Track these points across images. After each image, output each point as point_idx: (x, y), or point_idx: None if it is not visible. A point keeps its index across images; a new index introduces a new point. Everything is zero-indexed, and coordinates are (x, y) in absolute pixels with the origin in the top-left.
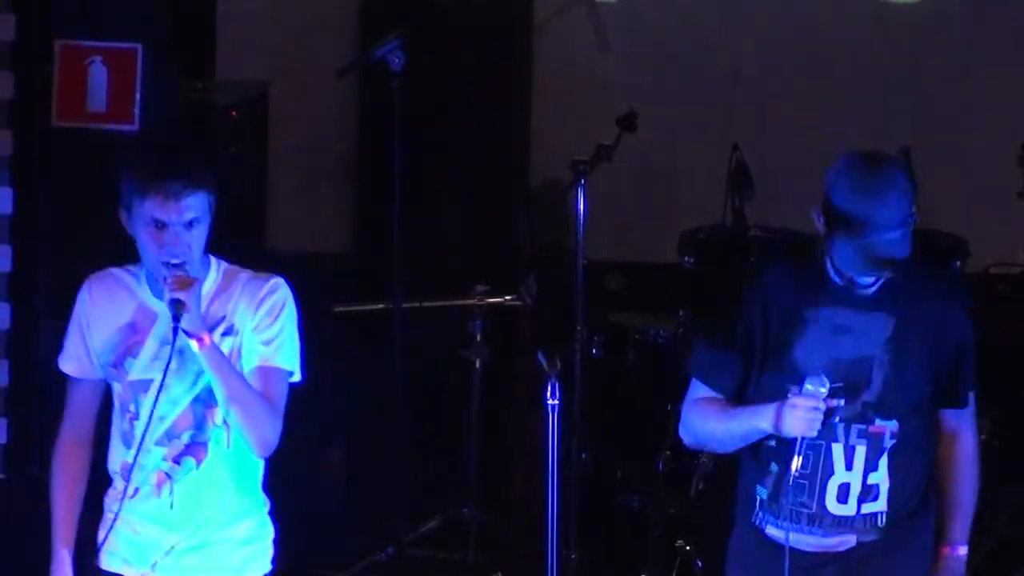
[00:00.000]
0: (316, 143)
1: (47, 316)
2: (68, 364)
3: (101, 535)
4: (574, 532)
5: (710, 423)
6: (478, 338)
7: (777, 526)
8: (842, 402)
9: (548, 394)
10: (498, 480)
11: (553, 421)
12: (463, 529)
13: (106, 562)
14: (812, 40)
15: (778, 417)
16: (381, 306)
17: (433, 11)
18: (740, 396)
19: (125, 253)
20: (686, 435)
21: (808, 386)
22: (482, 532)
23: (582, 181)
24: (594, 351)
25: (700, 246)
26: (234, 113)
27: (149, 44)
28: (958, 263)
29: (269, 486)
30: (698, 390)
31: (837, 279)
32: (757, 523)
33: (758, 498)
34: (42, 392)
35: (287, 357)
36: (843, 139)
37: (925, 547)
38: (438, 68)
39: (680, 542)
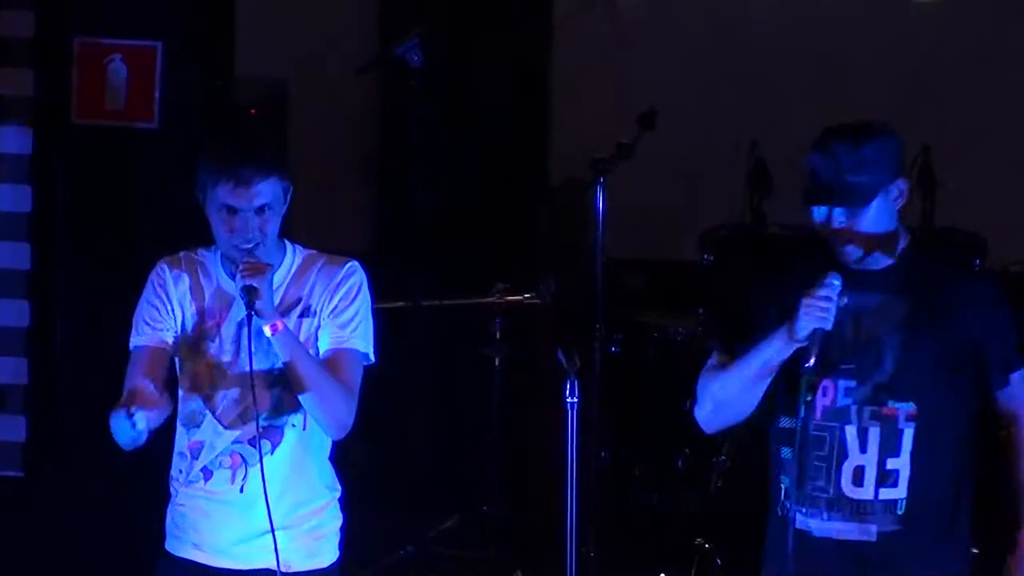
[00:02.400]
0: (336, 141)
1: (66, 314)
2: (146, 338)
3: (170, 519)
4: (593, 530)
5: (723, 375)
6: (497, 336)
7: (803, 514)
8: (845, 300)
9: (567, 392)
10: (517, 478)
11: (572, 419)
12: (483, 527)
13: (175, 546)
14: (831, 38)
15: (789, 323)
16: (401, 304)
17: (453, 9)
18: None
19: (144, 250)
20: (700, 408)
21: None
22: (502, 530)
23: (602, 179)
24: (613, 349)
25: (720, 244)
26: (254, 111)
27: (169, 42)
28: (977, 261)
29: None
30: (716, 358)
31: (847, 261)
32: (783, 514)
33: (782, 487)
34: (61, 391)
35: (362, 339)
36: None
37: (956, 541)
38: (458, 66)
39: (699, 540)
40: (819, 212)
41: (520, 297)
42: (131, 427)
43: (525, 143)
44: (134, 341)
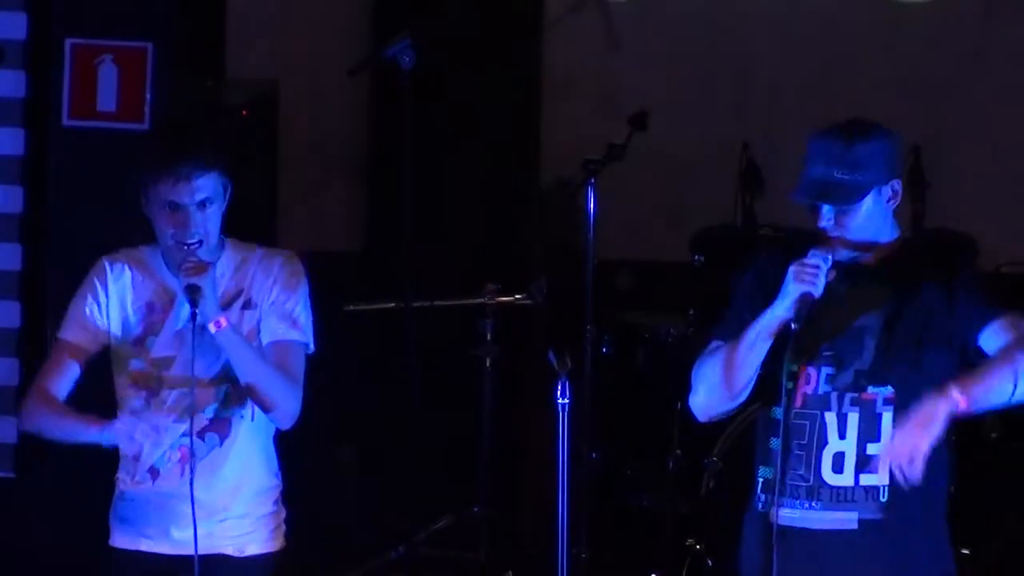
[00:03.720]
0: (327, 142)
1: (57, 316)
2: (74, 333)
3: (115, 514)
4: (584, 531)
5: (716, 355)
6: (488, 337)
7: (785, 506)
8: (833, 272)
9: (558, 393)
10: (508, 479)
11: (563, 420)
12: (474, 528)
13: (121, 540)
14: (823, 39)
15: (783, 291)
16: (392, 305)
17: (444, 10)
18: None
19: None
20: (694, 394)
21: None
22: (493, 531)
23: (593, 180)
24: (604, 350)
25: (711, 245)
26: (245, 112)
27: (160, 43)
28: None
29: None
30: (714, 345)
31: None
32: (761, 508)
33: (760, 480)
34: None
35: (303, 330)
36: None
37: (938, 537)
38: (449, 67)
39: (690, 541)
40: (811, 209)
41: (511, 298)
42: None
43: (516, 143)
44: (62, 333)
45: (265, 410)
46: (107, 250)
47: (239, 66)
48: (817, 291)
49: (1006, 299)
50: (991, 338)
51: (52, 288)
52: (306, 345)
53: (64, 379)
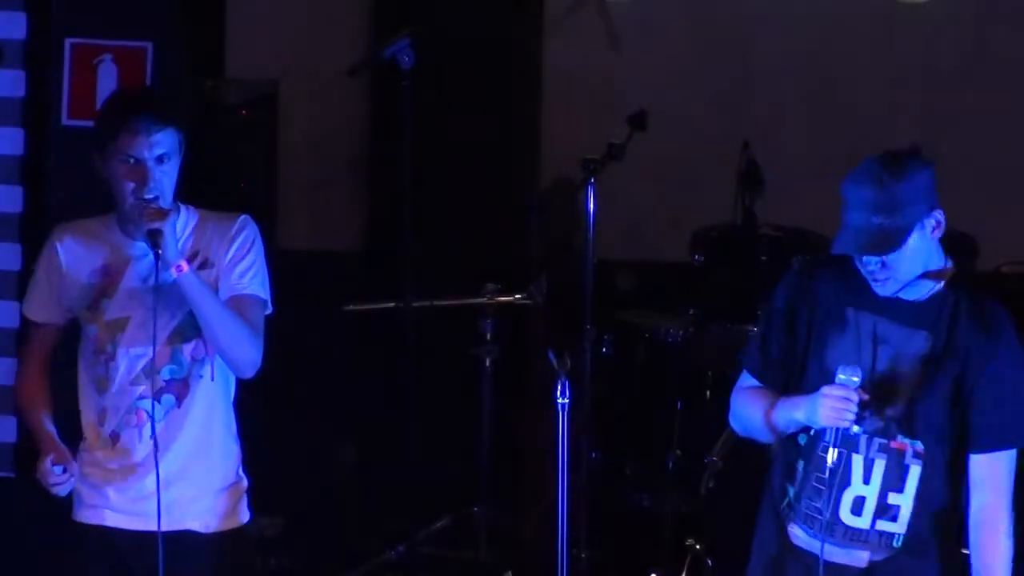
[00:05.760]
0: (326, 142)
1: None
2: (36, 311)
3: (79, 487)
4: (584, 531)
5: (752, 411)
6: (488, 337)
7: (799, 526)
8: (864, 394)
9: (558, 393)
10: (508, 479)
11: (563, 420)
12: (473, 528)
13: (84, 515)
14: (822, 39)
15: (811, 407)
16: (392, 305)
17: (444, 10)
18: (784, 388)
19: None
20: (735, 422)
21: (840, 376)
22: (492, 531)
23: (592, 180)
24: (604, 350)
25: (711, 245)
26: (244, 112)
27: (159, 43)
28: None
29: (279, 483)
30: (747, 379)
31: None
32: (783, 519)
33: (787, 496)
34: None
35: (260, 286)
36: (853, 138)
37: (950, 554)
38: (449, 67)
39: (690, 541)
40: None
41: (511, 298)
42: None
43: (516, 143)
44: (29, 311)
45: (228, 361)
46: None
47: (239, 66)
48: (849, 425)
49: (1006, 299)
50: (980, 465)
51: None
52: (264, 303)
53: (43, 360)
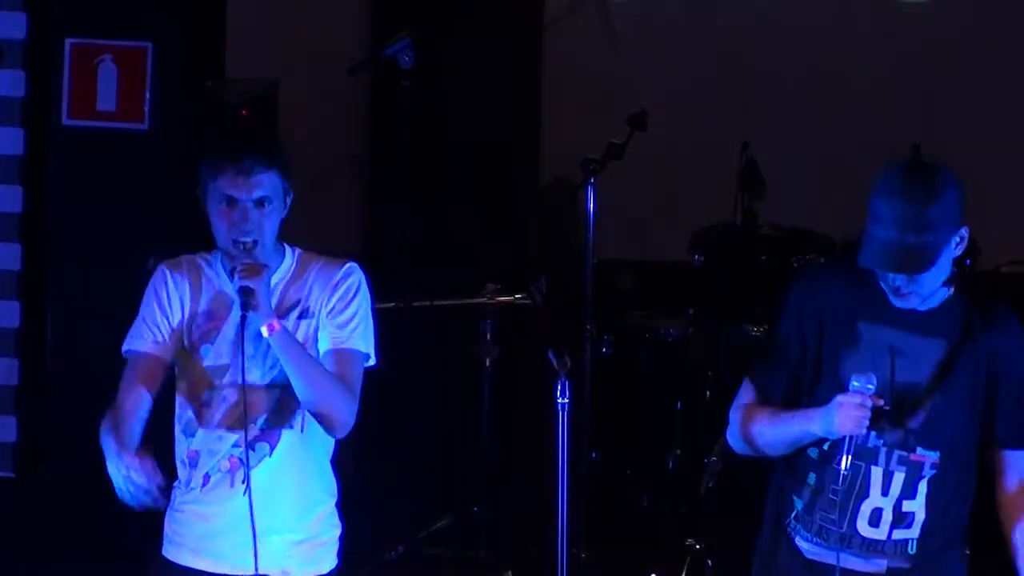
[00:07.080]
0: (327, 142)
1: (57, 315)
2: (141, 343)
3: (168, 526)
4: (584, 531)
5: (757, 427)
6: (488, 337)
7: (808, 540)
8: (882, 403)
9: (558, 393)
10: (508, 479)
11: (563, 420)
12: (473, 528)
13: (173, 553)
14: (822, 39)
15: (827, 418)
16: (392, 305)
17: (444, 10)
18: (791, 404)
19: (134, 251)
20: (733, 440)
21: (854, 383)
22: (492, 531)
23: (592, 179)
24: (604, 350)
25: (711, 245)
26: (244, 112)
27: (159, 43)
28: (968, 261)
29: None
30: (747, 394)
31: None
32: (790, 531)
33: (795, 510)
34: (51, 391)
35: (362, 339)
36: (853, 138)
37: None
38: (449, 66)
39: (690, 541)
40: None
41: (511, 298)
42: (127, 486)
43: (516, 143)
44: (132, 344)
45: (318, 419)
46: (107, 249)
47: (239, 66)
48: (864, 432)
49: (1006, 299)
50: (1016, 457)
51: (52, 288)
52: (366, 356)
53: (140, 395)
